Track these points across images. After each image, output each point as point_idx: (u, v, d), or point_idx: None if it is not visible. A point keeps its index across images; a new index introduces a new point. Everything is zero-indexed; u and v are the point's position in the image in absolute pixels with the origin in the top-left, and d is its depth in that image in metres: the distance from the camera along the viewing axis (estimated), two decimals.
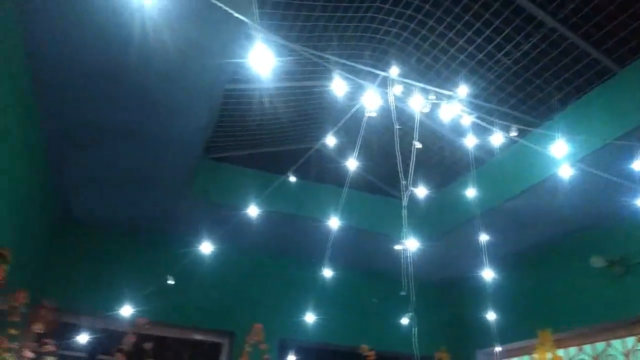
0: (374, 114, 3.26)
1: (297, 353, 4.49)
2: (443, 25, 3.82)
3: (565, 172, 3.35)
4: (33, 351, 4.66)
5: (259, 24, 2.19)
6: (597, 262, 4.55)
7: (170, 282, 3.92)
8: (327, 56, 3.84)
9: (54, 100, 3.43)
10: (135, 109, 3.48)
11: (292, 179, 4.00)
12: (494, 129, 3.54)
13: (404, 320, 3.25)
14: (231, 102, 4.27)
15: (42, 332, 4.84)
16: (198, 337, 5.76)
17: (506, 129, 3.72)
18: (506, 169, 4.47)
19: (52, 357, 4.81)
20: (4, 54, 2.73)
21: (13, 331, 3.90)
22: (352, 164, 3.54)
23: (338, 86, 2.67)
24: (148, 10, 2.59)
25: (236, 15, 2.05)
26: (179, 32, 2.73)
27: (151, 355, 5.34)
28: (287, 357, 4.59)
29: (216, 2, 1.99)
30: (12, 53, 2.84)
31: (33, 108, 3.47)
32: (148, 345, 5.34)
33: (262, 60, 2.02)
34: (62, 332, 5.04)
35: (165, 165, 4.26)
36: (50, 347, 4.82)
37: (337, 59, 3.86)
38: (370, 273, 6.41)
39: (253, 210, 3.85)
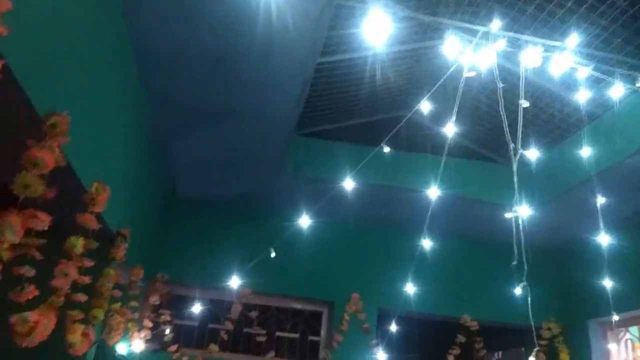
0: (473, 74, 3.04)
1: (396, 322, 4.45)
2: None
3: None
4: (152, 321, 5.08)
5: None
6: None
7: (272, 254, 4.01)
8: (428, 17, 3.64)
9: (159, 86, 3.57)
10: (233, 90, 3.54)
11: (386, 149, 3.90)
12: (615, 79, 3.18)
13: (517, 290, 3.09)
14: (323, 76, 4.21)
15: (158, 303, 5.25)
16: (298, 306, 5.93)
17: (628, 79, 3.33)
18: (625, 122, 4.02)
19: (168, 326, 5.21)
20: (110, 43, 2.86)
21: (134, 303, 4.25)
22: (449, 129, 3.36)
23: (443, 47, 2.50)
24: None
25: None
26: (281, 8, 2.68)
27: (256, 323, 5.60)
28: (386, 325, 4.58)
29: None
30: (116, 41, 2.97)
31: (141, 96, 3.64)
32: (253, 314, 5.60)
33: (370, 27, 1.92)
34: (176, 303, 5.42)
35: (260, 143, 4.33)
36: (166, 317, 5.23)
37: (438, 19, 3.65)
38: (473, 242, 6.18)
39: (348, 184, 3.80)
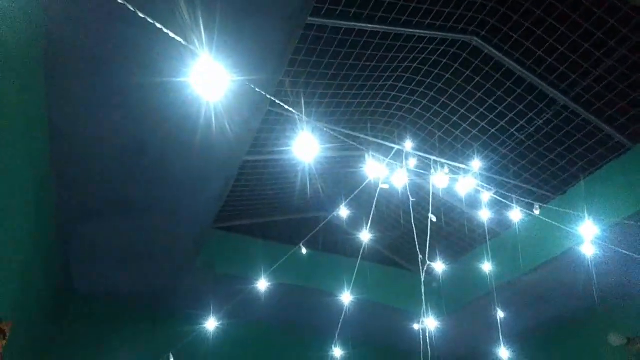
0: (386, 186, 3.23)
1: None
2: (455, 102, 3.89)
3: (587, 249, 3.28)
4: None
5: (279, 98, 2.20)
6: (615, 339, 4.39)
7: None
8: (341, 130, 3.89)
9: (70, 172, 3.39)
10: (150, 184, 3.44)
11: (304, 250, 3.90)
12: (513, 204, 3.51)
13: None
14: (245, 173, 4.25)
15: None
16: None
17: (525, 205, 3.68)
18: (523, 242, 4.39)
19: None
20: (26, 117, 2.72)
21: None
22: (365, 235, 3.46)
23: (364, 167, 2.65)
24: (174, 85, 2.62)
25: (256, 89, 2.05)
26: (202, 107, 2.74)
27: None
28: None
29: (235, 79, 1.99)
30: (32, 116, 2.83)
31: (48, 177, 3.42)
32: None
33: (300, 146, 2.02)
34: None
35: (174, 237, 4.16)
36: None
37: (351, 132, 3.91)
38: (382, 349, 6.12)
39: (262, 284, 3.73)
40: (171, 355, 3.71)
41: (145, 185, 3.44)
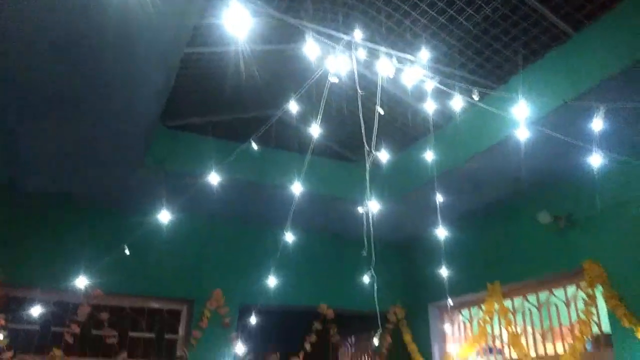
0: (335, 80, 3.20)
1: (258, 316, 4.52)
2: None
3: (522, 133, 3.44)
4: None
5: None
6: (543, 218, 4.80)
7: (126, 252, 3.77)
8: (291, 19, 3.71)
9: (8, 70, 3.13)
10: (88, 79, 3.24)
11: (254, 146, 3.90)
12: (455, 92, 3.58)
13: (365, 278, 3.35)
14: (190, 67, 4.06)
15: None
16: (156, 305, 5.68)
17: (467, 93, 3.77)
18: (464, 132, 4.57)
19: (2, 331, 4.62)
20: None
21: None
22: (315, 130, 3.49)
23: (305, 49, 2.58)
24: None
25: None
26: None
27: (107, 324, 5.24)
28: (247, 319, 4.62)
29: None
30: None
31: None
32: (104, 315, 5.23)
33: (232, 20, 1.92)
34: (12, 306, 4.83)
35: (119, 135, 4.03)
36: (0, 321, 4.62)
37: (301, 22, 3.74)
38: (329, 236, 6.51)
39: (213, 178, 3.72)
40: (126, 247, 3.79)
41: (83, 80, 3.25)
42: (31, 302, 4.41)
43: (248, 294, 5.49)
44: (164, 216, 3.66)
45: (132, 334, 5.43)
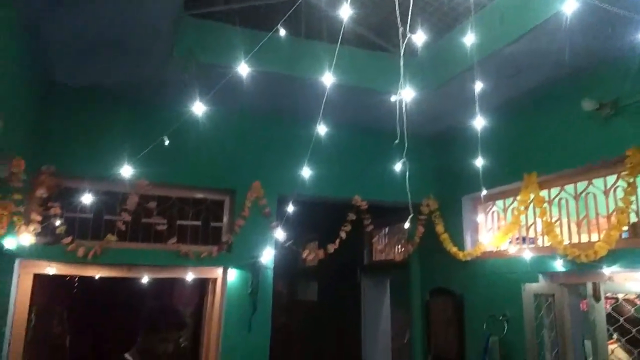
0: None
1: (295, 206, 4.72)
2: None
3: (569, 5, 3.14)
4: (40, 214, 4.85)
5: None
6: (588, 105, 4.55)
7: (166, 142, 3.89)
8: None
9: None
10: None
11: (282, 32, 3.78)
12: None
13: (398, 167, 3.36)
14: None
15: (45, 196, 4.98)
16: (200, 195, 5.99)
17: None
18: (507, 11, 4.24)
19: (59, 219, 5.03)
20: None
21: (17, 196, 3.98)
22: (345, 11, 3.31)
23: None
24: None
25: None
26: None
27: (155, 213, 5.60)
28: (285, 210, 4.84)
29: None
30: None
31: None
32: (152, 204, 5.58)
33: None
34: (66, 196, 5.19)
35: (142, 25, 3.99)
36: (56, 210, 5.01)
37: None
38: (362, 129, 6.49)
39: (243, 69, 3.67)
40: (165, 138, 3.92)
41: None
42: (82, 192, 4.71)
43: (286, 185, 5.67)
44: (199, 108, 3.69)
45: (180, 221, 5.82)
